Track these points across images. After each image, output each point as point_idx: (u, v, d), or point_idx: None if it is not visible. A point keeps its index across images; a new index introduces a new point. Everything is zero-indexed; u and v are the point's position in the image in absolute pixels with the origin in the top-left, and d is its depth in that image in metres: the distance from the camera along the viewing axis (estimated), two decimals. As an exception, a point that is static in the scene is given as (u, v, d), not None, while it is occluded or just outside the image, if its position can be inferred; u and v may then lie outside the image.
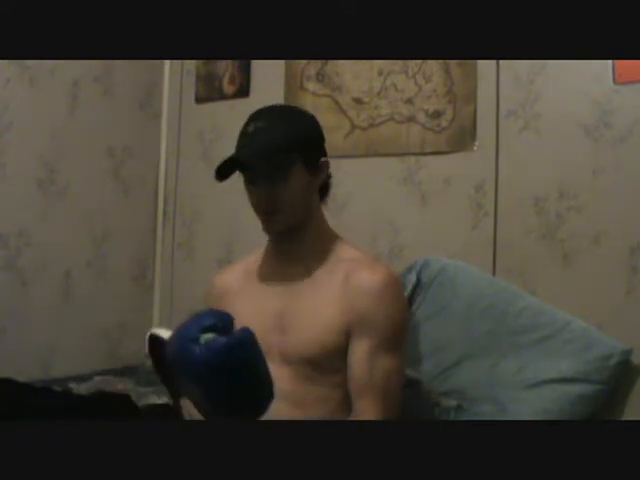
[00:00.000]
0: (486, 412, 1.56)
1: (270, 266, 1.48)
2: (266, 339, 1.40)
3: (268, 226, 1.40)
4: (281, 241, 1.45)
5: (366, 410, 1.32)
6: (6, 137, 2.07)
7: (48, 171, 2.19)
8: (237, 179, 1.41)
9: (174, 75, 2.57)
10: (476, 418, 1.56)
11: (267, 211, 1.38)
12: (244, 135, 1.40)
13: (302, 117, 1.46)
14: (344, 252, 1.44)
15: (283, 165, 1.36)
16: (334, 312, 1.36)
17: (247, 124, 1.40)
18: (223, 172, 1.37)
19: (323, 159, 1.44)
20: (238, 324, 1.46)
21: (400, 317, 1.39)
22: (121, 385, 1.98)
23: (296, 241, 1.43)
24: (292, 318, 1.39)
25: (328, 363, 1.36)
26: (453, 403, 1.61)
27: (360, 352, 1.34)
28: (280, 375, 1.38)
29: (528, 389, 1.55)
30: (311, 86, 2.20)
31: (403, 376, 1.40)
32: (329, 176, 1.48)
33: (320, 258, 1.43)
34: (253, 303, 1.45)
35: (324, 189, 1.48)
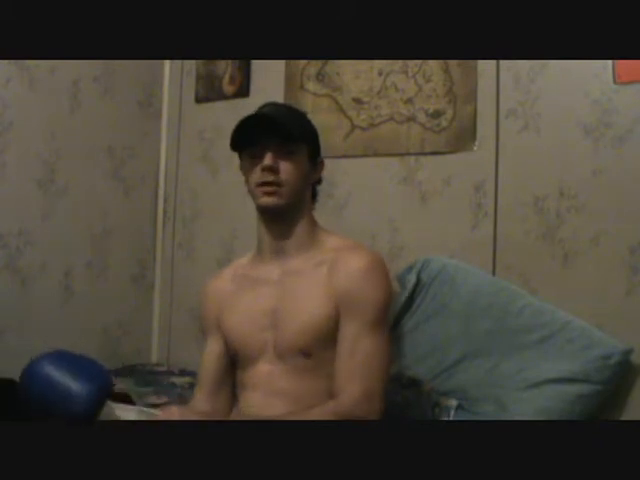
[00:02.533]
0: (487, 412, 1.56)
1: (259, 266, 1.49)
2: (261, 338, 1.42)
3: (269, 198, 1.40)
4: (272, 225, 1.45)
5: (345, 389, 1.31)
6: (6, 137, 2.07)
7: (48, 171, 2.19)
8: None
9: (174, 75, 2.57)
10: (477, 418, 1.56)
11: (274, 181, 1.38)
12: (261, 109, 1.47)
13: (306, 116, 1.53)
14: (330, 242, 1.46)
15: (299, 138, 1.41)
16: (321, 299, 1.37)
17: (260, 108, 1.47)
18: (240, 139, 1.40)
19: (320, 158, 1.51)
20: (233, 326, 1.48)
21: (384, 298, 1.39)
22: (121, 385, 1.97)
23: (286, 237, 1.44)
24: (283, 313, 1.40)
25: (321, 352, 1.36)
26: (453, 403, 1.61)
27: (345, 334, 1.35)
28: (276, 372, 1.39)
29: (528, 389, 1.55)
30: (311, 86, 2.20)
31: (388, 357, 1.38)
32: (320, 179, 1.53)
33: (308, 253, 1.44)
34: (245, 305, 1.47)
35: (314, 191, 1.52)
